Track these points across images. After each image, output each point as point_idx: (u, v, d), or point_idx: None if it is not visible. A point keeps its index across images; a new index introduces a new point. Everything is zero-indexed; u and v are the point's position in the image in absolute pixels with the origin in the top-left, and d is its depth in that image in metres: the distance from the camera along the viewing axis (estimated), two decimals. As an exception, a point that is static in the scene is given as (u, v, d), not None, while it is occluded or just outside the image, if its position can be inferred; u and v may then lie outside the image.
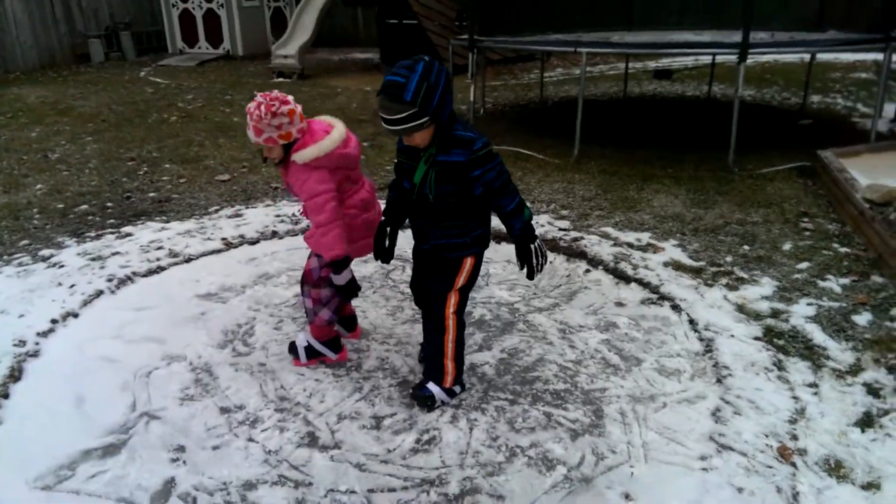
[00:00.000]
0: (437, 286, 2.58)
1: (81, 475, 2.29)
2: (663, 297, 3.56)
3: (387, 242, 2.60)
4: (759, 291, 3.58)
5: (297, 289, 3.61)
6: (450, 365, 2.64)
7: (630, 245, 4.22)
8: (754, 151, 6.19)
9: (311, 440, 2.48)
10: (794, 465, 2.31)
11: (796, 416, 2.57)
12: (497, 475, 2.30)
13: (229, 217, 4.79)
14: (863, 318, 3.26)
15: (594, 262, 4.01)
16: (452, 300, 2.57)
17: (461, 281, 2.56)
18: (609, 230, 4.48)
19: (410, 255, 2.79)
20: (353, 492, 2.22)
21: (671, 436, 2.49)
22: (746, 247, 4.17)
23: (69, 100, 9.94)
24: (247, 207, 5.02)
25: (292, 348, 2.97)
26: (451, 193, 2.40)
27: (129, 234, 4.41)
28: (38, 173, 6.00)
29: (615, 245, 4.21)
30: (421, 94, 2.19)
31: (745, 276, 3.76)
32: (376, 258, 2.63)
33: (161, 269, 3.91)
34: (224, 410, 2.65)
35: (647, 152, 6.44)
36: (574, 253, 4.14)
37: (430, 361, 2.70)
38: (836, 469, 2.29)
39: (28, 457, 2.35)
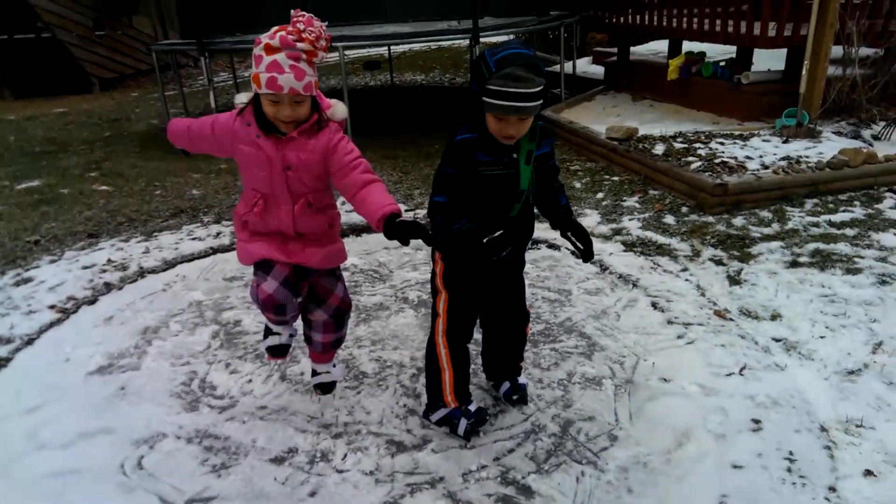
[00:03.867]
0: (521, 292, 2.45)
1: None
2: (535, 241, 4.16)
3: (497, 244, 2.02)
4: (593, 220, 4.45)
5: (209, 329, 3.21)
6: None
7: (472, 210, 4.71)
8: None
9: (399, 447, 2.38)
10: (731, 319, 3.14)
11: (700, 290, 3.43)
12: (572, 405, 2.59)
13: (18, 284, 3.76)
14: (670, 219, 4.36)
15: (458, 230, 4.40)
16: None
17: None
18: (442, 202, 4.89)
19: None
20: (485, 466, 2.27)
21: (645, 331, 3.10)
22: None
23: None
24: (25, 270, 3.98)
25: (328, 388, 2.63)
26: (539, 190, 2.22)
27: None
28: None
29: (462, 212, 4.65)
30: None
31: (577, 213, 4.60)
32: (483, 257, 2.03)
33: (6, 360, 2.97)
34: (279, 461, 2.32)
35: (399, 137, 6.97)
36: (436, 226, 4.45)
37: (511, 361, 2.58)
38: (751, 314, 3.19)
39: None
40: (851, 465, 2.17)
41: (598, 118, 6.74)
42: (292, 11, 1.92)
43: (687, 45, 7.03)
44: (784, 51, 5.95)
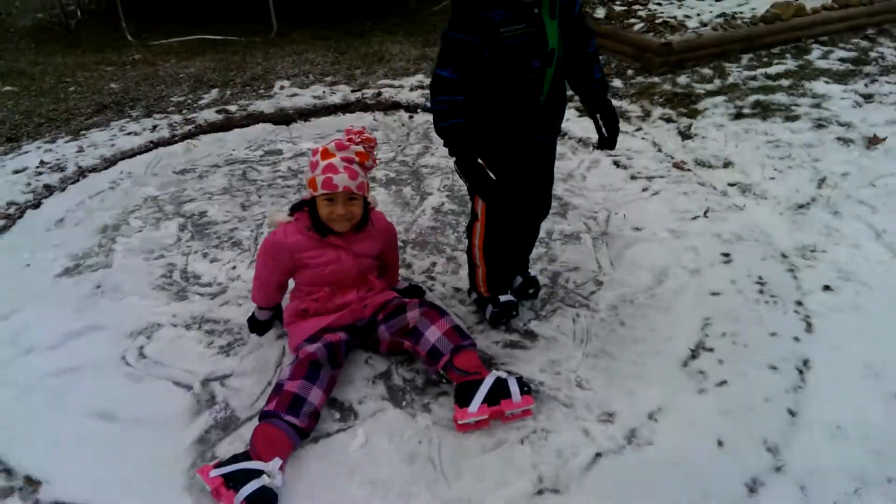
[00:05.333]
0: (551, 181, 2.24)
1: None
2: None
3: (488, 174, 1.90)
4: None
5: (174, 223, 3.09)
6: None
7: (421, 87, 4.60)
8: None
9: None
10: (689, 170, 3.31)
11: (656, 146, 3.57)
12: (556, 259, 2.71)
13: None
14: (618, 83, 4.44)
15: (411, 108, 4.31)
16: None
17: None
18: (389, 81, 4.74)
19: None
20: (512, 372, 2.38)
21: (611, 188, 3.23)
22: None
23: None
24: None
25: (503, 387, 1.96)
26: (568, 46, 1.93)
27: None
28: None
29: (412, 90, 4.54)
30: None
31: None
32: (491, 198, 1.94)
33: (-41, 270, 2.78)
34: (285, 334, 2.35)
35: (324, 17, 6.58)
36: (388, 106, 4.35)
37: (526, 255, 2.44)
38: (706, 164, 3.37)
39: None
40: (812, 283, 2.43)
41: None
42: (346, 128, 2.07)
43: None
44: None
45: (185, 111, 4.43)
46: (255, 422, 1.95)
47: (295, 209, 2.08)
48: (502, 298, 2.33)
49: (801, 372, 2.03)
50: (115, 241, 3.00)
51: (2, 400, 2.12)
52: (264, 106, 4.40)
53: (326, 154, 1.96)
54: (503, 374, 2.00)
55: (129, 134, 4.09)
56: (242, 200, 3.31)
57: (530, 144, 2.02)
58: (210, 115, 4.31)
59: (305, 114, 4.33)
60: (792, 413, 1.89)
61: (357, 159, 1.97)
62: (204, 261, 2.82)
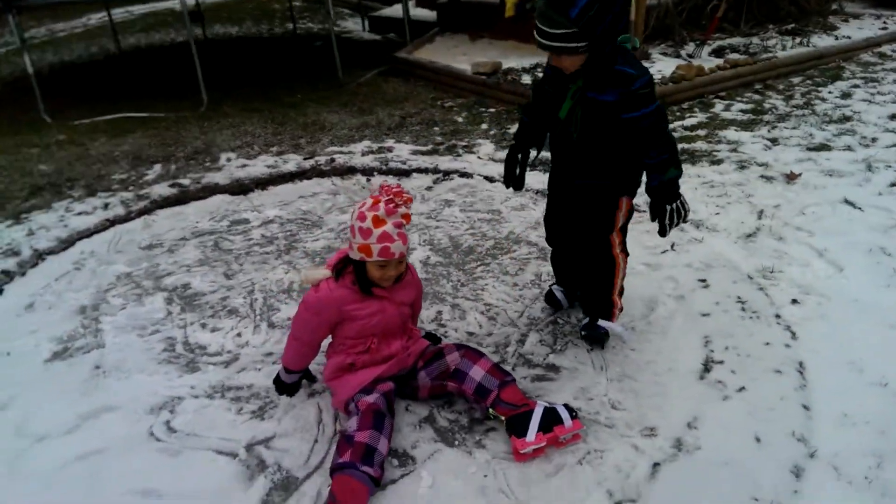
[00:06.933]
0: (595, 226, 2.37)
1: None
2: (464, 174, 4.32)
3: (517, 170, 2.41)
4: (489, 148, 4.74)
5: (159, 297, 3.03)
6: (618, 300, 2.53)
7: (371, 151, 4.76)
8: (332, 69, 7.08)
9: (421, 359, 2.52)
10: (644, 211, 3.64)
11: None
12: (565, 310, 2.91)
13: None
14: (555, 139, 4.81)
15: (367, 172, 4.45)
16: (616, 241, 2.42)
17: (620, 220, 2.39)
18: (337, 148, 4.87)
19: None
20: (506, 357, 2.51)
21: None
22: (437, 128, 5.25)
23: None
24: None
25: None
26: (600, 135, 2.14)
27: None
28: None
29: (363, 155, 4.69)
30: (588, 14, 1.90)
31: (471, 143, 4.85)
32: (507, 185, 2.42)
33: None
34: (315, 393, 2.35)
35: (250, 90, 6.66)
36: (344, 171, 4.46)
37: (592, 299, 2.55)
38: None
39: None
40: (781, 299, 2.76)
41: (448, 57, 7.00)
42: (381, 183, 2.07)
43: (518, -17, 7.49)
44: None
45: (131, 187, 4.32)
46: (316, 478, 1.97)
47: (339, 271, 2.11)
48: (551, 285, 2.80)
49: (801, 373, 2.31)
50: (98, 320, 2.87)
51: (28, 496, 1.97)
52: (218, 177, 4.38)
53: (378, 221, 1.96)
54: (549, 404, 2.12)
55: (79, 214, 3.93)
56: (224, 270, 3.27)
57: (559, 182, 2.42)
58: (163, 189, 4.23)
59: (262, 183, 4.35)
60: (806, 407, 2.15)
61: (405, 222, 2.02)
62: (204, 331, 2.77)
